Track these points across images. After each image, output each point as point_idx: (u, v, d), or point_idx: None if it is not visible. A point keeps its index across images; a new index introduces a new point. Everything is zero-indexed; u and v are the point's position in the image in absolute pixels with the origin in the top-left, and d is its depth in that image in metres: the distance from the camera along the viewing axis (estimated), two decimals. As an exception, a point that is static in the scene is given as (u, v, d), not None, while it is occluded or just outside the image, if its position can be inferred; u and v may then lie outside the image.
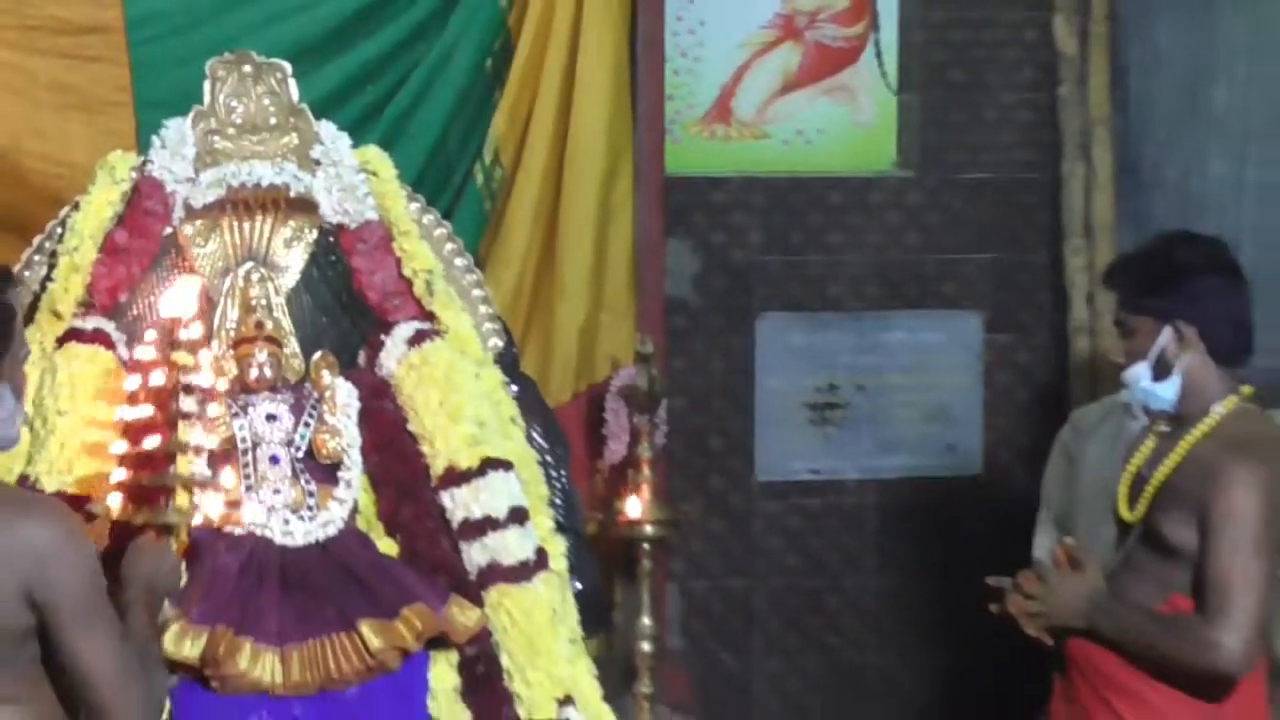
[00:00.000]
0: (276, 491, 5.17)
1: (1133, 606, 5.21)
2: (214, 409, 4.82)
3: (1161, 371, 5.21)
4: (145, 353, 4.72)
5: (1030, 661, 5.52)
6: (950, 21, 7.77)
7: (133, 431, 4.65)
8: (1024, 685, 5.71)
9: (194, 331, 4.68)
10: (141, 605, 4.41)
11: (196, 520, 4.65)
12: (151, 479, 4.59)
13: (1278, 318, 6.10)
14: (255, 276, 5.26)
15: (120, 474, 4.63)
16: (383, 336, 5.35)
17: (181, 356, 4.59)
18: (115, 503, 4.61)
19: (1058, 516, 5.80)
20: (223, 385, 5.07)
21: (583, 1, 7.12)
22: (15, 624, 4.12)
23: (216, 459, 4.83)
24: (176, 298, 4.80)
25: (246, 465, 5.15)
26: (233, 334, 5.26)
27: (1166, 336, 5.19)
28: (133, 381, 4.71)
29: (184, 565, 4.71)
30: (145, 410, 4.61)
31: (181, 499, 4.61)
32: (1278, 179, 7.11)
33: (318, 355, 5.30)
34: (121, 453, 4.65)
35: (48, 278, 5.16)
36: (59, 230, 5.35)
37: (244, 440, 5.18)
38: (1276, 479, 5.12)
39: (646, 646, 5.98)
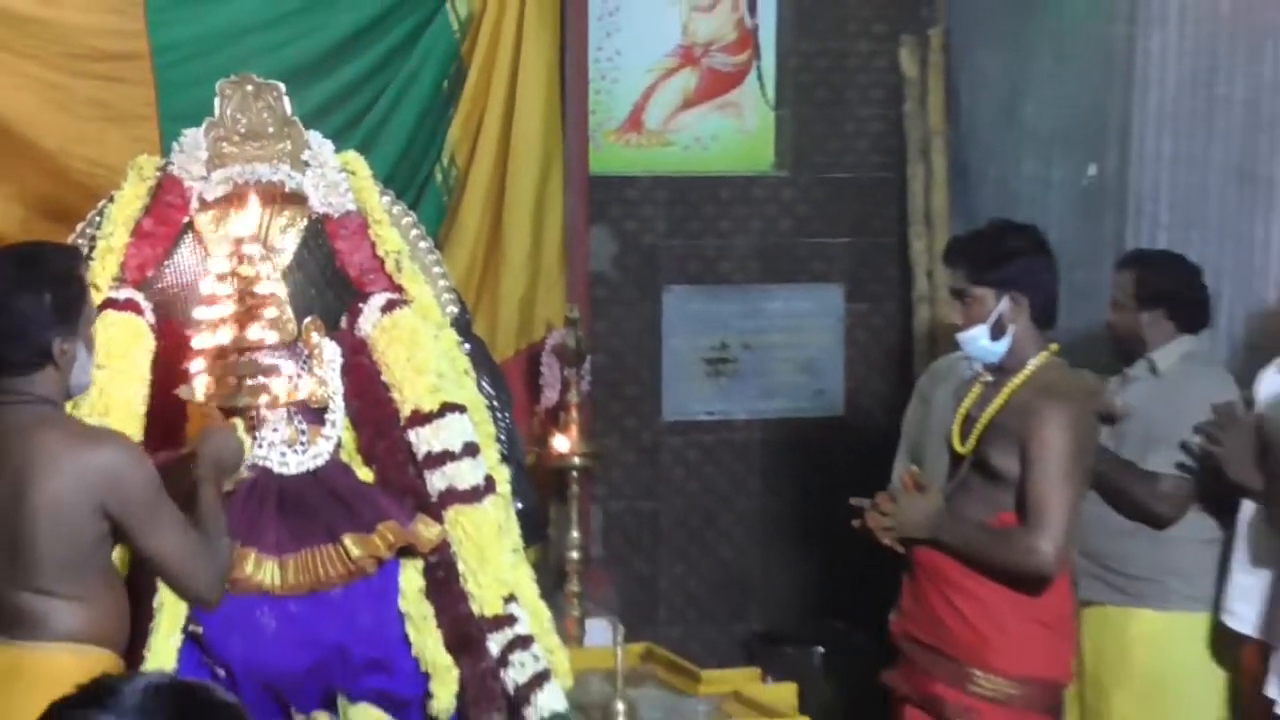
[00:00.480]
0: (275, 430, 5.02)
1: (968, 521, 5.23)
2: (271, 311, 4.73)
3: (997, 332, 5.20)
4: (219, 265, 4.75)
5: (885, 566, 5.46)
6: (816, 51, 7.81)
7: (209, 328, 4.68)
8: (880, 586, 5.60)
9: (254, 249, 4.75)
10: (210, 481, 4.47)
11: (263, 400, 4.69)
12: (227, 366, 4.63)
13: (1074, 291, 6.11)
14: (258, 257, 5.05)
15: (200, 364, 4.68)
16: (360, 305, 5.22)
17: (245, 269, 4.66)
18: (200, 386, 4.65)
19: (912, 449, 5.85)
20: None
21: (521, 34, 7.14)
22: (89, 534, 4.25)
23: (276, 351, 4.79)
24: (242, 220, 4.90)
25: (251, 410, 4.92)
26: (244, 301, 5.00)
27: (1004, 304, 5.17)
28: (209, 285, 4.73)
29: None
30: (223, 309, 4.67)
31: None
32: (1076, 178, 7.07)
33: (308, 320, 5.13)
34: (201, 347, 4.69)
35: (88, 257, 4.94)
36: (97, 219, 5.19)
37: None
38: (1082, 417, 5.25)
39: (574, 555, 5.91)
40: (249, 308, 4.72)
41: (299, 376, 4.94)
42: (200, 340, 4.72)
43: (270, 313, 4.77)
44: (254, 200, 5.04)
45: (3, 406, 4.29)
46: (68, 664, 4.10)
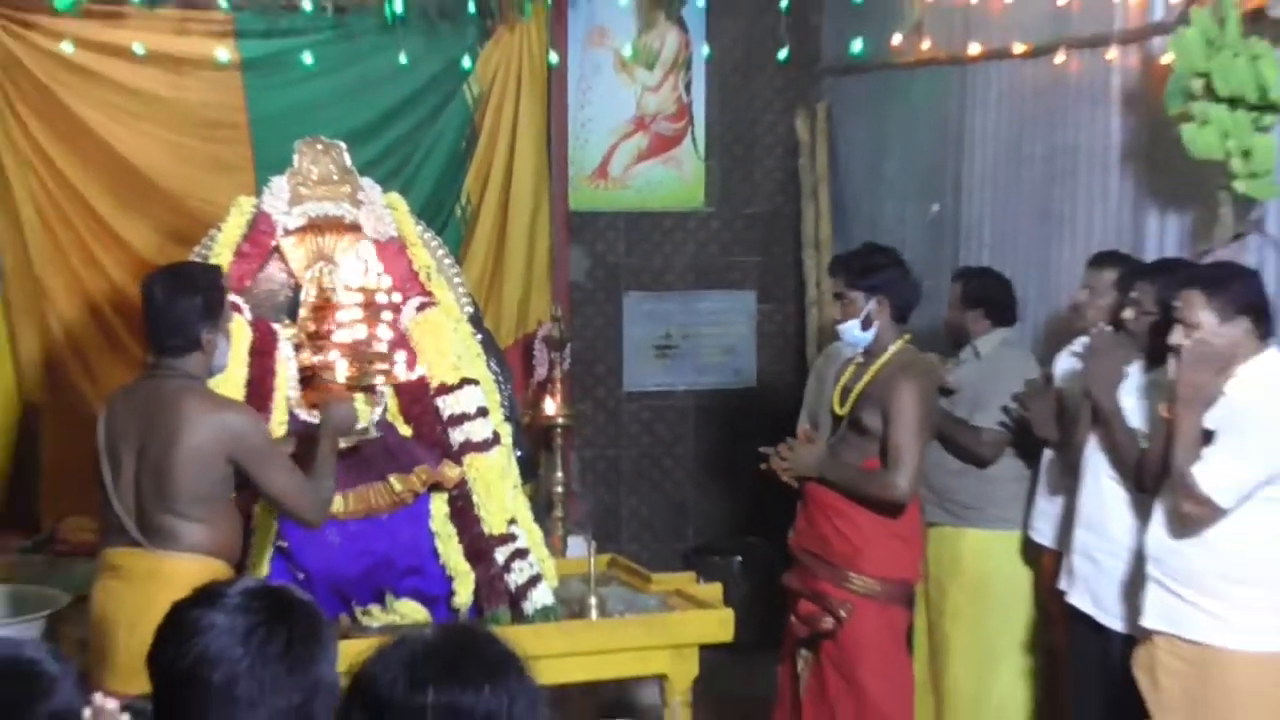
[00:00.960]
0: None
1: (845, 464, 5.23)
2: (388, 315, 4.98)
3: (866, 325, 5.21)
4: (349, 297, 4.94)
5: (785, 497, 5.45)
6: (734, 120, 7.73)
7: (347, 329, 4.86)
8: (782, 512, 5.54)
9: (383, 282, 5.02)
10: (328, 438, 4.58)
11: (381, 380, 4.93)
12: (359, 355, 4.85)
13: (922, 295, 5.73)
14: (326, 270, 5.11)
15: (337, 354, 4.85)
16: (402, 306, 5.16)
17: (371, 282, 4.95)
18: (342, 370, 4.84)
19: (810, 412, 5.78)
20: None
21: (518, 108, 7.10)
22: (217, 474, 4.34)
23: (392, 346, 4.94)
24: (359, 265, 5.02)
25: (375, 386, 5.06)
26: (314, 304, 5.10)
27: (872, 304, 5.18)
28: (344, 295, 4.94)
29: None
30: (355, 313, 4.91)
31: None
32: (923, 214, 7.00)
33: (398, 295, 5.19)
34: (341, 341, 4.88)
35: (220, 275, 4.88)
36: (209, 243, 5.18)
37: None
38: (927, 388, 5.25)
39: (558, 489, 5.84)
40: (373, 311, 4.89)
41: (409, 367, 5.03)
42: (340, 335, 4.86)
43: (387, 315, 4.93)
44: (367, 244, 5.14)
45: (163, 379, 4.36)
46: (192, 569, 4.12)
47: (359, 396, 4.80)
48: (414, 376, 5.05)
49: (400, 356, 4.99)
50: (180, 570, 4.18)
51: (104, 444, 4.39)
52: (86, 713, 2.33)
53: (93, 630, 4.42)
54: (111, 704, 2.36)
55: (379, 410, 5.03)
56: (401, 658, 1.78)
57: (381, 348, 4.91)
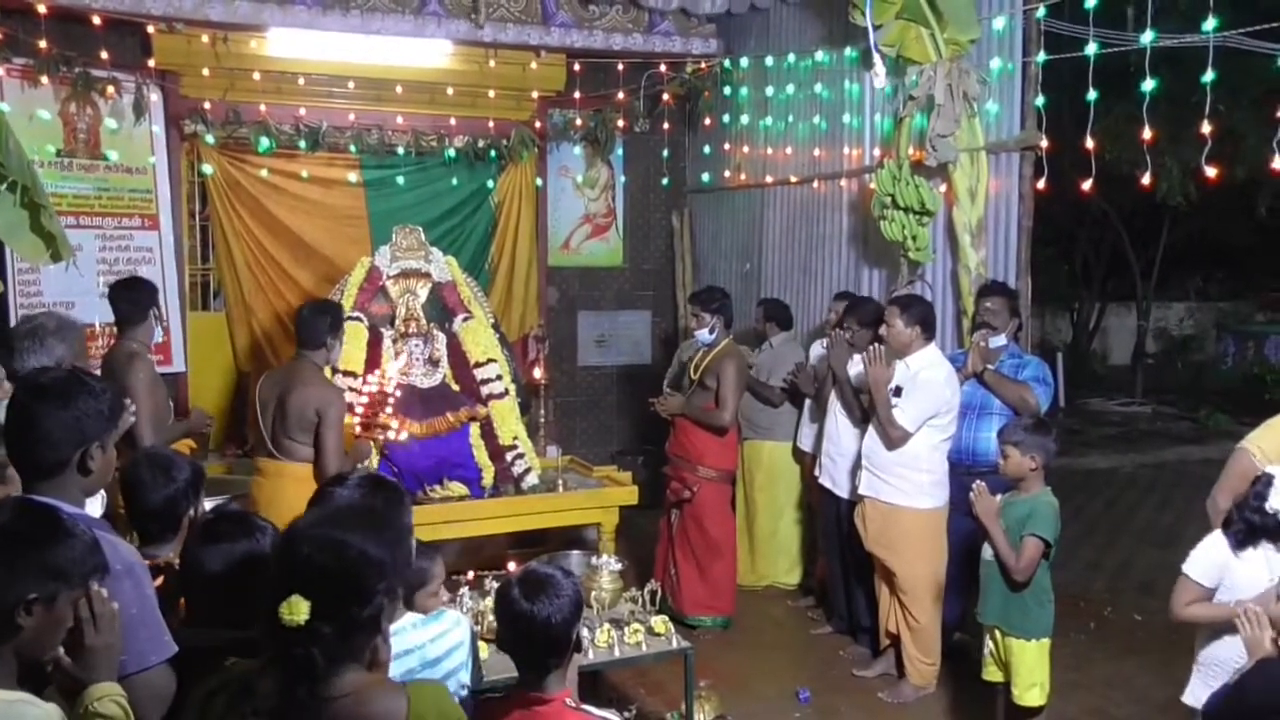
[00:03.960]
0: (418, 364, 5.00)
1: (696, 406, 5.11)
2: (389, 409, 4.46)
3: (711, 331, 5.14)
4: (371, 385, 4.51)
5: (663, 423, 5.34)
6: (639, 217, 7.57)
7: (364, 409, 4.43)
8: (662, 431, 5.45)
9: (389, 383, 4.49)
10: (352, 456, 4.17)
11: (380, 435, 4.44)
12: (368, 422, 4.41)
13: (739, 314, 5.98)
14: (411, 300, 5.06)
15: (359, 420, 4.40)
16: (455, 318, 5.12)
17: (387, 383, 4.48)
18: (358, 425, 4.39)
19: (672, 376, 5.65)
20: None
21: (520, 210, 6.95)
22: (311, 420, 4.04)
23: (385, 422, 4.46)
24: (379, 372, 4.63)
25: (414, 361, 4.96)
26: (404, 318, 5.03)
27: (716, 320, 5.13)
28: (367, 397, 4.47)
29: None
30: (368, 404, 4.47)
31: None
32: (740, 269, 6.95)
33: (430, 324, 5.08)
34: (361, 416, 4.42)
35: (339, 302, 4.82)
36: (344, 283, 5.09)
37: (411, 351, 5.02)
38: (741, 365, 5.15)
39: (542, 419, 5.71)
40: (381, 402, 4.44)
41: (426, 348, 4.89)
42: (359, 410, 4.45)
43: (391, 401, 4.45)
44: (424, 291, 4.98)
45: (300, 361, 4.18)
46: (303, 471, 4.06)
47: (371, 442, 4.41)
48: (403, 437, 4.66)
49: (394, 424, 4.52)
50: (293, 472, 4.09)
51: (259, 396, 4.24)
52: None
53: (249, 505, 4.23)
54: None
55: (440, 376, 4.95)
56: (314, 512, 1.69)
57: (387, 419, 4.50)
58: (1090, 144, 4.14)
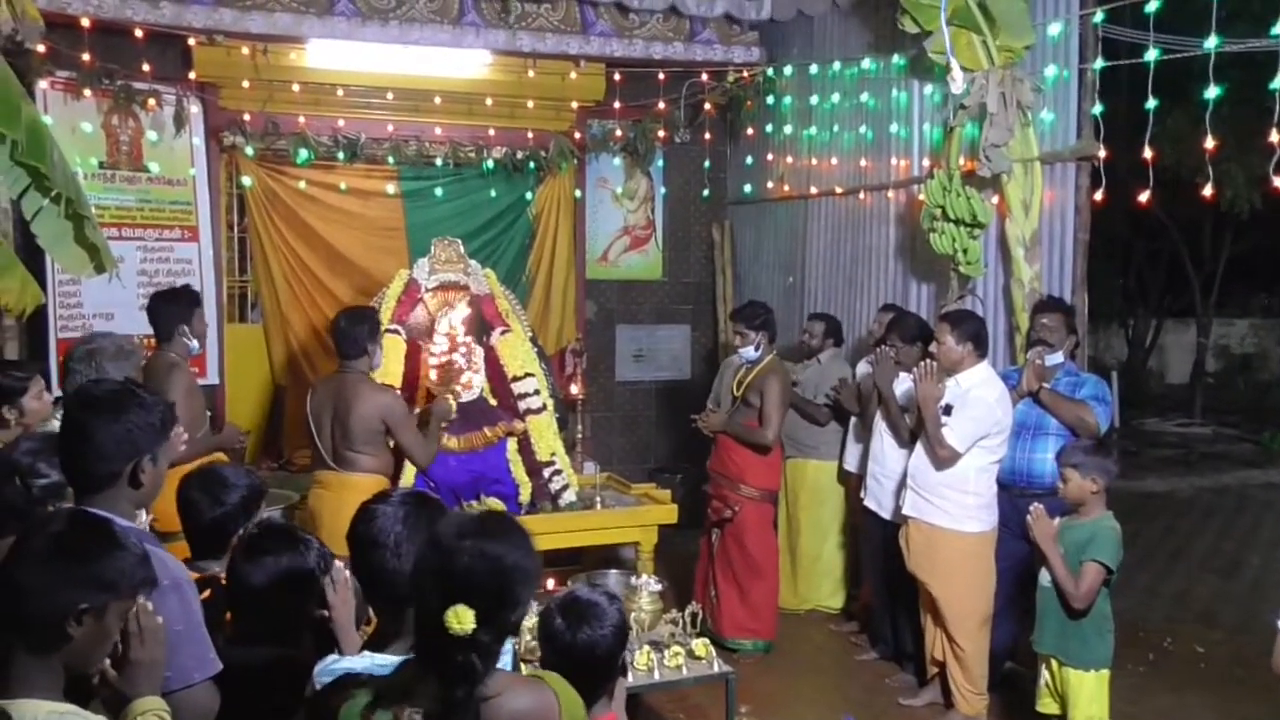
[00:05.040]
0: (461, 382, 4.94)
1: (738, 424, 5.11)
2: (460, 359, 4.88)
3: (756, 348, 5.12)
4: (441, 341, 4.90)
5: (705, 440, 5.34)
6: (679, 230, 7.57)
7: (437, 358, 4.82)
8: (704, 449, 5.44)
9: (460, 330, 4.95)
10: (434, 419, 4.45)
11: (458, 388, 4.77)
12: (446, 372, 4.77)
13: (783, 328, 5.86)
14: (450, 313, 5.07)
15: (434, 373, 4.80)
16: (493, 332, 5.13)
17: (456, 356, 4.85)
18: (434, 377, 4.78)
19: (715, 395, 5.58)
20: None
21: (558, 221, 6.99)
22: (377, 430, 4.22)
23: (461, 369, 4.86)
24: (458, 313, 4.98)
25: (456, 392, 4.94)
26: (444, 332, 5.05)
27: (760, 335, 5.12)
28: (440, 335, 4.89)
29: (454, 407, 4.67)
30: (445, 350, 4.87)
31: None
32: (783, 282, 6.95)
33: (470, 338, 5.08)
34: (435, 365, 4.83)
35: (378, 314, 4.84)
36: (382, 296, 5.12)
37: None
38: (786, 382, 5.11)
39: (579, 435, 5.79)
40: (453, 348, 4.84)
41: (472, 376, 4.95)
42: (432, 361, 4.83)
43: (462, 349, 4.92)
44: (461, 308, 5.04)
45: (345, 374, 4.29)
46: (368, 482, 4.13)
47: (449, 397, 4.65)
48: (475, 390, 4.92)
49: (466, 376, 4.87)
50: (358, 483, 4.18)
51: (311, 411, 4.37)
52: (332, 575, 2.30)
53: (309, 516, 4.40)
54: (347, 572, 2.32)
55: (477, 390, 4.97)
56: (454, 521, 1.75)
57: (460, 366, 4.86)
58: (1149, 153, 4.10)
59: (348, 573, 2.33)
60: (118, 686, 1.76)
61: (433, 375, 4.80)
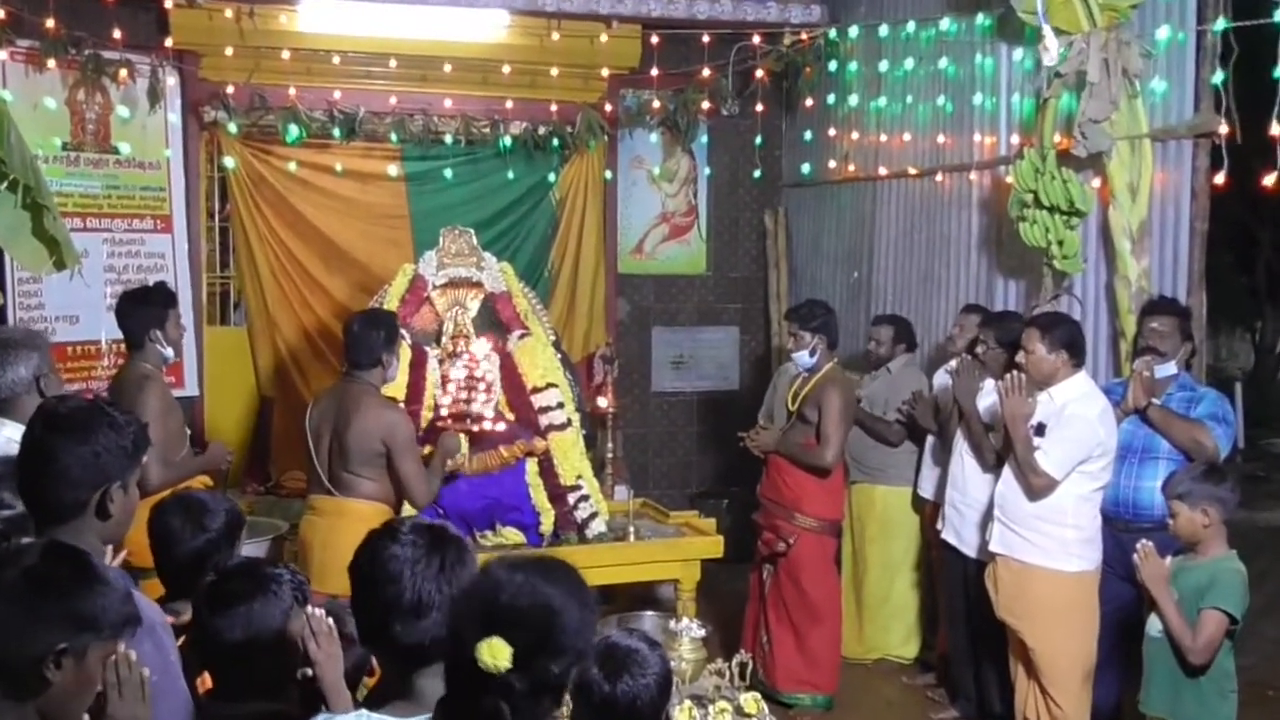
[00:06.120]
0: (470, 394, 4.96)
1: (793, 442, 5.14)
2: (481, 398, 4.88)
3: (811, 353, 5.14)
4: (457, 374, 4.91)
5: (755, 461, 5.34)
6: (725, 216, 7.62)
7: (452, 397, 4.82)
8: (753, 471, 5.46)
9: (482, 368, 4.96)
10: (439, 455, 4.48)
11: (474, 427, 4.78)
12: (458, 414, 4.79)
13: (846, 333, 5.92)
14: (460, 313, 5.10)
15: (447, 410, 4.80)
16: (509, 335, 5.14)
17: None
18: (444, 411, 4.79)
19: (768, 408, 5.60)
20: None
21: (585, 206, 7.04)
22: (377, 451, 4.24)
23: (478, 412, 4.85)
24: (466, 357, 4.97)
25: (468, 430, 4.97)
26: (452, 335, 5.09)
27: (818, 340, 5.13)
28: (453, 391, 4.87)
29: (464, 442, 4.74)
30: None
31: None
32: (848, 278, 6.95)
33: (482, 340, 5.09)
34: (448, 405, 4.82)
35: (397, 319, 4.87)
36: (383, 295, 5.15)
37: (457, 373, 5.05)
38: (848, 394, 5.16)
39: (609, 455, 5.80)
40: (473, 389, 4.89)
41: (486, 405, 4.93)
42: (444, 400, 4.85)
43: (481, 387, 4.91)
44: (480, 344, 5.05)
45: (351, 384, 4.34)
46: (367, 510, 4.19)
47: (460, 435, 4.70)
48: (494, 424, 4.93)
49: (489, 410, 4.90)
50: (356, 510, 4.23)
51: (310, 425, 4.42)
52: (312, 625, 2.31)
53: (299, 548, 4.46)
54: (320, 612, 2.34)
55: (492, 403, 5.01)
56: (512, 558, 1.77)
57: (477, 407, 4.86)
58: (1278, 129, 4.05)
59: (330, 620, 2.35)
60: None
61: (443, 409, 4.83)
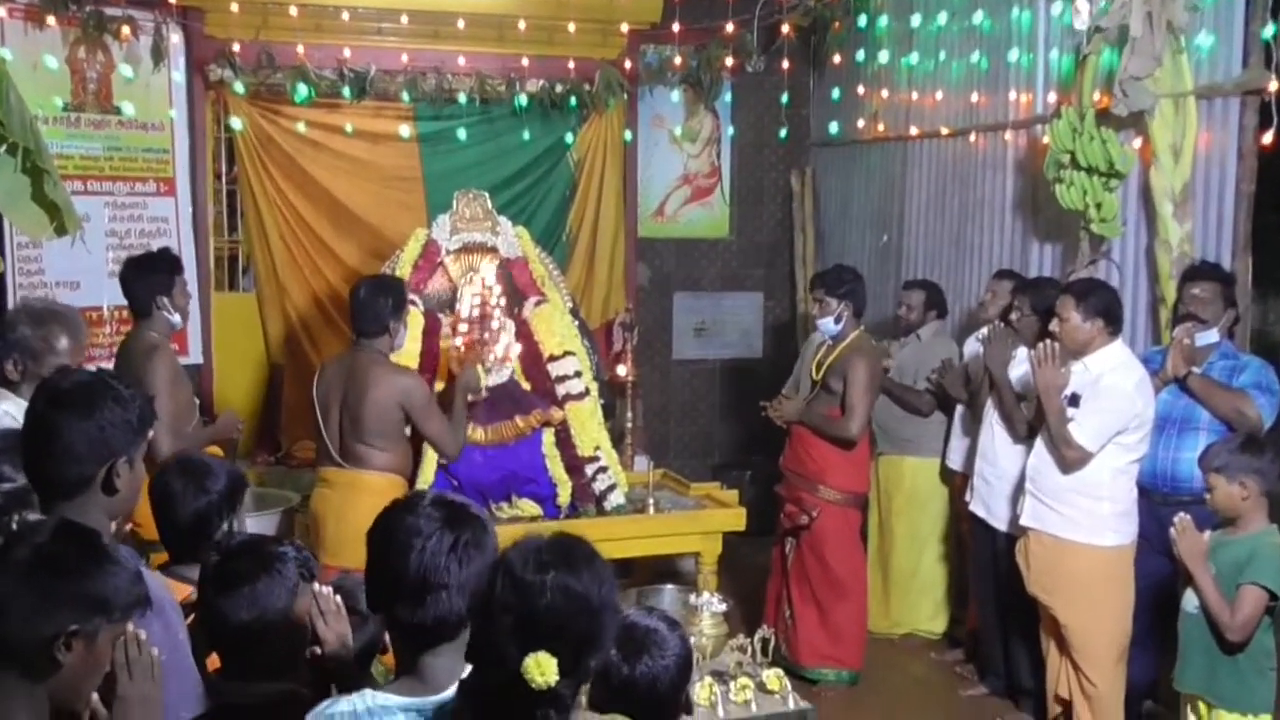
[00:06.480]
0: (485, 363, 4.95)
1: (817, 413, 5.17)
2: (496, 322, 4.92)
3: (837, 320, 5.15)
4: (470, 304, 4.92)
5: (778, 432, 5.39)
6: (749, 177, 7.62)
7: (467, 324, 4.85)
8: (776, 442, 5.48)
9: (494, 292, 4.99)
10: (461, 395, 4.57)
11: (491, 357, 4.84)
12: (473, 344, 4.82)
13: (874, 298, 6.03)
14: (475, 278, 5.10)
15: (461, 341, 4.81)
16: (526, 302, 5.15)
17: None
18: (458, 343, 4.82)
19: (795, 378, 5.58)
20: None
21: (604, 169, 7.00)
22: (393, 417, 4.33)
23: (495, 335, 4.89)
24: (478, 280, 5.01)
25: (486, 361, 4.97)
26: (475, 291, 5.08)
27: (844, 307, 5.14)
28: (466, 304, 4.91)
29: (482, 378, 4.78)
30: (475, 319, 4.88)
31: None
32: (876, 242, 6.95)
33: (504, 298, 5.10)
34: (464, 332, 4.86)
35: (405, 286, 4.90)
36: (396, 260, 5.19)
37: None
38: (875, 364, 5.17)
39: (628, 425, 5.81)
40: (487, 314, 4.87)
41: (509, 346, 4.96)
42: (461, 328, 4.84)
43: (497, 313, 4.92)
44: (488, 265, 5.10)
45: (360, 352, 4.38)
46: (380, 482, 4.25)
47: (479, 366, 4.74)
48: (514, 354, 4.97)
49: (504, 340, 4.89)
50: (369, 483, 4.28)
51: (318, 396, 4.46)
52: (319, 603, 2.33)
53: (311, 521, 4.52)
54: (327, 590, 2.35)
55: (507, 373, 5.01)
56: (531, 548, 1.72)
57: (490, 336, 4.89)
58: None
59: (339, 599, 2.36)
60: None
61: (458, 343, 4.84)
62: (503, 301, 5.01)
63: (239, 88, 6.18)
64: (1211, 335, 4.40)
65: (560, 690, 1.62)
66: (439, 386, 4.89)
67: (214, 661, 2.28)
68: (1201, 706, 3.61)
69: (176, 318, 4.38)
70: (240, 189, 6.50)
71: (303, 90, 6.22)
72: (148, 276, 4.31)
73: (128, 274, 4.35)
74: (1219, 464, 3.57)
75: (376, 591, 1.96)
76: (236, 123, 6.25)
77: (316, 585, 2.34)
